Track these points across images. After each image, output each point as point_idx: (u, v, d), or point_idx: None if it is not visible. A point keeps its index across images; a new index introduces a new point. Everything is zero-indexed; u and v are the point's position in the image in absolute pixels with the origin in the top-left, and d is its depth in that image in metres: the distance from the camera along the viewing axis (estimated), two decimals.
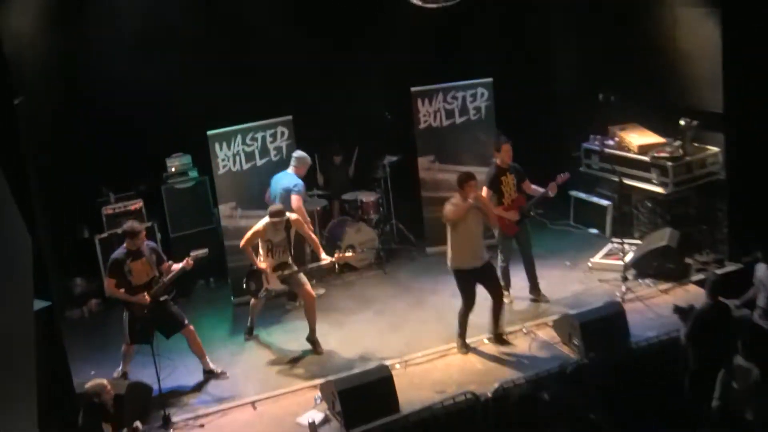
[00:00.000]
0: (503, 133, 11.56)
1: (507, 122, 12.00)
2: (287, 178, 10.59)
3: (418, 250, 12.41)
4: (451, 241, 8.88)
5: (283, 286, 9.80)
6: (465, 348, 9.18)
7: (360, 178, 12.67)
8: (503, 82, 12.11)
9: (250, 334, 10.27)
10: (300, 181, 10.49)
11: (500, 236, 10.19)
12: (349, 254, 9.66)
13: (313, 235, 10.01)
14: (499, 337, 9.32)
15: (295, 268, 9.78)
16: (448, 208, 8.71)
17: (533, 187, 10.15)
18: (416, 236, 12.57)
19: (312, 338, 9.81)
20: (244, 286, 9.98)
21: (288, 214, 9.71)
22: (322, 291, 11.19)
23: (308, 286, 9.81)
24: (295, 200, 10.28)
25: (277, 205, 9.75)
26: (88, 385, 7.54)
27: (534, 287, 10.39)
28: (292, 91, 11.99)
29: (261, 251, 9.72)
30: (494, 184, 10.10)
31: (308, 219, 10.21)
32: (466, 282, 8.81)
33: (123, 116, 11.36)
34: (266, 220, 9.67)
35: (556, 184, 10.07)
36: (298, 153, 10.70)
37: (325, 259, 9.63)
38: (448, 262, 9.08)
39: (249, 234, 9.70)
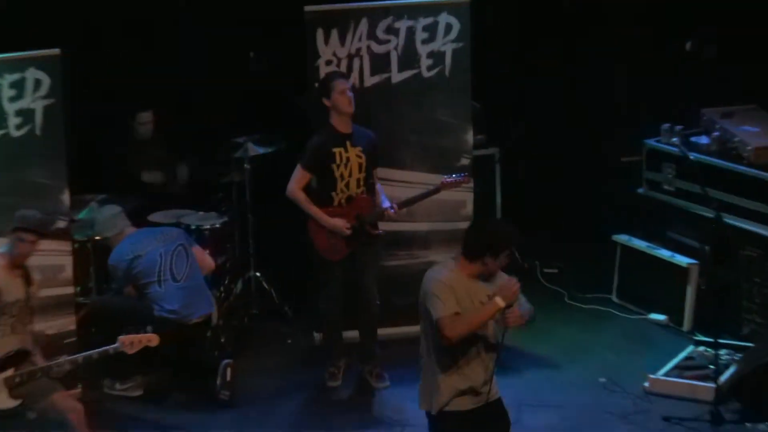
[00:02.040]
0: (479, 105, 11.23)
1: (495, 86, 11.58)
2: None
3: (297, 330, 11.23)
4: (435, 359, 7.68)
5: (15, 402, 8.67)
6: None
7: (193, 185, 12.02)
8: (493, 4, 11.85)
9: None
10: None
11: (318, 260, 10.02)
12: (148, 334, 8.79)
13: None
14: None
15: (40, 364, 8.83)
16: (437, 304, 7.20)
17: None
18: (294, 304, 11.60)
19: None
20: None
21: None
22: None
23: (64, 399, 8.83)
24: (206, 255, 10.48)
25: (32, 212, 8.91)
26: None
27: (365, 355, 10.13)
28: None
29: None
30: (320, 161, 9.70)
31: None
32: None
33: None
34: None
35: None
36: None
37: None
38: (429, 399, 7.76)
39: None
